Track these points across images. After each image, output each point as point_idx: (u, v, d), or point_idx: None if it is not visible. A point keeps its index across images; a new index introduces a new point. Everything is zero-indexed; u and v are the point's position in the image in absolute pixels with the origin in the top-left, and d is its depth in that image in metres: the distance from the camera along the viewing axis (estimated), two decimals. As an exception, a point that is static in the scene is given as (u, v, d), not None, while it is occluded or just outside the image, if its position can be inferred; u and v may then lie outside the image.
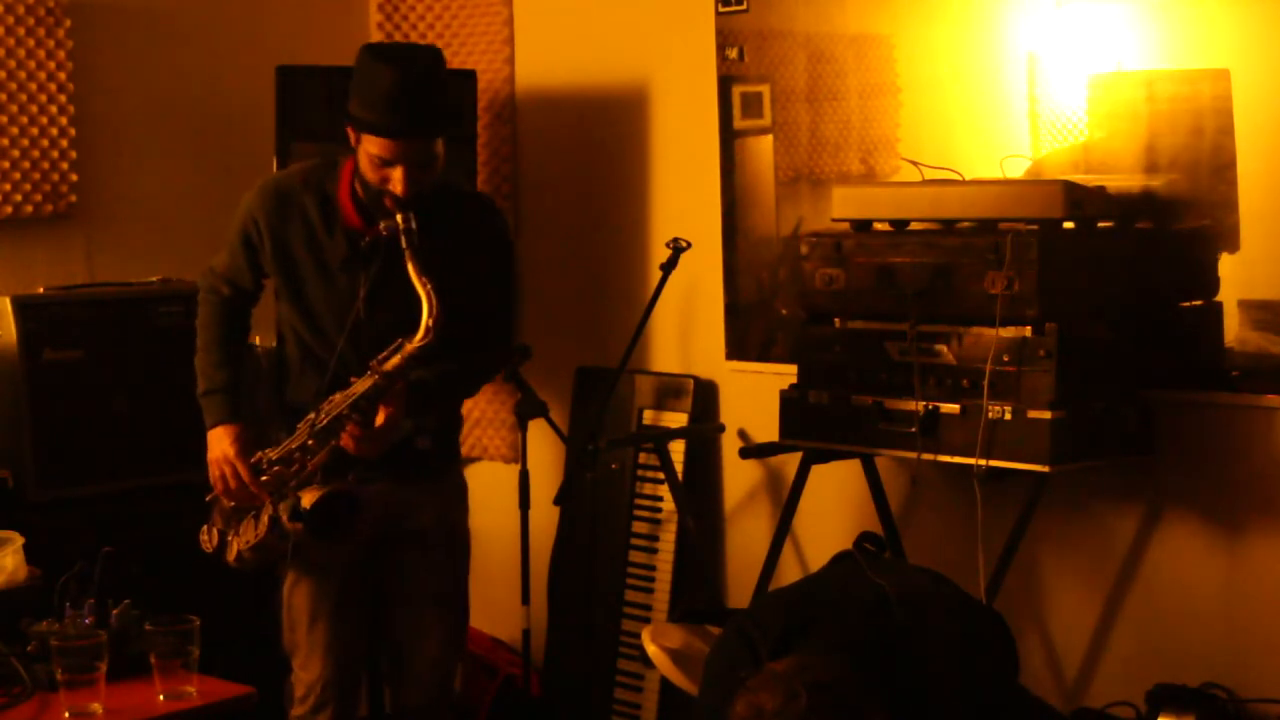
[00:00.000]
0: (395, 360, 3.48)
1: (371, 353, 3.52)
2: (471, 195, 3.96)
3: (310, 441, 3.58)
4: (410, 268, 3.45)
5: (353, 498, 3.59)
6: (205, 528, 3.77)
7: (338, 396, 3.56)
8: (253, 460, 3.65)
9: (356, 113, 3.53)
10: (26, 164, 4.69)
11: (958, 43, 4.22)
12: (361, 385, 3.52)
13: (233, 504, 3.70)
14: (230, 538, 3.71)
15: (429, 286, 3.43)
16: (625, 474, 4.90)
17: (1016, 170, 4.07)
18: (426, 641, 3.84)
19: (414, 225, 3.46)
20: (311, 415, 3.59)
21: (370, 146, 3.51)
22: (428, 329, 3.43)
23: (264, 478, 3.63)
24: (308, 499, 3.56)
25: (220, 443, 3.68)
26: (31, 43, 4.69)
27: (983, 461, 3.68)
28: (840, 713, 2.67)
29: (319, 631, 3.76)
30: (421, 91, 3.50)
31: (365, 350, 3.57)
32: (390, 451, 3.62)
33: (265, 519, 3.61)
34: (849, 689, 2.71)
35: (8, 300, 4.31)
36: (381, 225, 3.54)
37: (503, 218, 3.84)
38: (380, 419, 3.52)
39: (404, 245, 3.46)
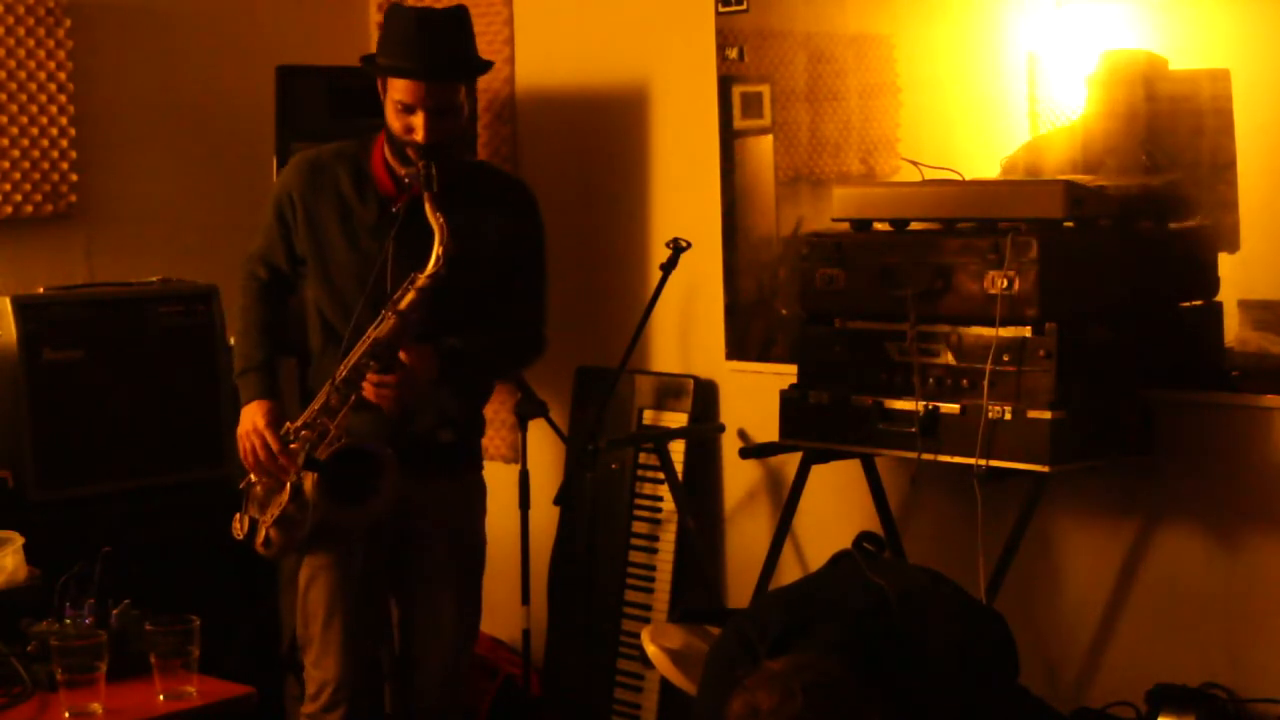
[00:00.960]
0: (410, 296, 3.51)
1: None
2: (514, 180, 3.97)
3: (333, 400, 3.56)
4: (427, 207, 3.50)
5: (372, 454, 3.55)
6: (237, 515, 3.73)
7: (355, 348, 3.56)
8: (281, 432, 3.63)
9: (381, 60, 3.61)
10: (26, 164, 4.69)
11: (958, 43, 4.22)
12: (377, 330, 3.53)
13: (263, 480, 3.66)
14: (260, 521, 3.69)
15: (442, 220, 3.48)
16: (625, 474, 4.89)
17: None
18: (438, 643, 3.82)
19: (434, 172, 3.51)
20: (332, 376, 3.57)
21: (394, 93, 3.59)
22: (438, 258, 3.48)
23: (293, 445, 3.60)
24: (325, 453, 3.54)
25: (251, 416, 3.67)
26: (31, 43, 4.69)
27: (983, 461, 3.68)
28: (837, 713, 2.67)
29: (335, 629, 3.74)
30: (442, 36, 3.59)
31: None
32: (413, 445, 3.63)
33: (288, 488, 3.59)
34: (846, 689, 2.71)
35: (8, 300, 4.31)
36: (404, 174, 3.59)
37: (539, 209, 3.84)
38: (404, 358, 3.52)
39: (423, 189, 3.50)
